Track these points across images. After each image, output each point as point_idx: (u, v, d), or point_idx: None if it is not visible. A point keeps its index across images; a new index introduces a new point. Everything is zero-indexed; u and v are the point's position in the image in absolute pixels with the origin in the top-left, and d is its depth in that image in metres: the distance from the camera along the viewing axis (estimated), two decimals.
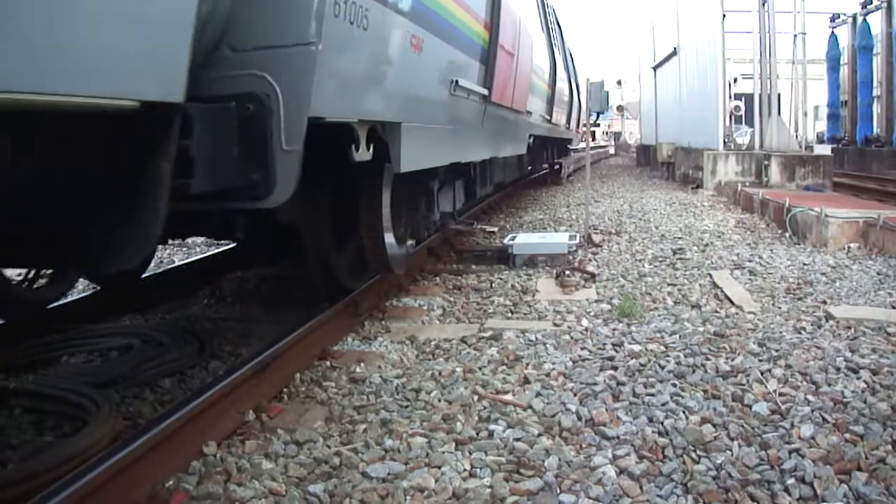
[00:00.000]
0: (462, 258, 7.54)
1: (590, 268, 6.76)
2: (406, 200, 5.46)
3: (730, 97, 17.40)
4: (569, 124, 17.89)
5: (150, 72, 2.26)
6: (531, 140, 10.82)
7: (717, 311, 5.15)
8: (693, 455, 2.90)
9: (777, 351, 4.13)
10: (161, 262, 7.45)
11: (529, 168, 15.34)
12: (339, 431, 3.22)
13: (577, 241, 7.75)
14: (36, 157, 2.41)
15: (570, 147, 22.95)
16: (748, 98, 17.14)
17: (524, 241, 7.35)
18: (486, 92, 6.20)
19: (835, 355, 4.04)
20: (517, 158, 11.22)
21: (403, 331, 4.83)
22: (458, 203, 7.24)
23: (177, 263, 7.01)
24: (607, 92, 9.93)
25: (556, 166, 20.73)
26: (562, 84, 15.01)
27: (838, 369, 3.82)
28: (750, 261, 7.07)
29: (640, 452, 2.93)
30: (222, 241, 7.38)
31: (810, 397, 3.44)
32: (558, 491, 2.65)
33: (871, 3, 21.05)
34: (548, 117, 12.62)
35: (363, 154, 3.68)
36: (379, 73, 3.81)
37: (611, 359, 4.07)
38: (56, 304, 5.13)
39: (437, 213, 6.28)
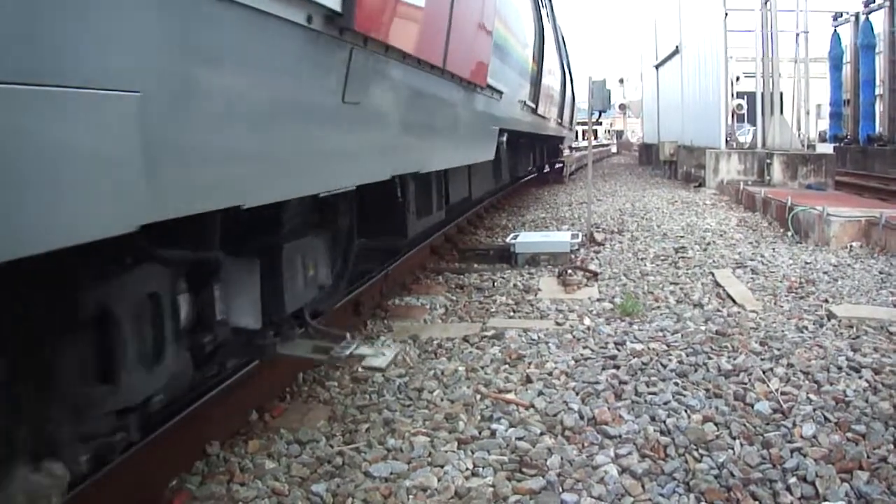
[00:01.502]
0: (464, 257, 7.55)
1: (592, 266, 6.76)
2: None
3: (732, 96, 17.39)
4: (560, 119, 14.88)
5: None
6: (504, 138, 7.62)
7: (719, 310, 5.15)
8: (695, 454, 2.90)
9: (779, 350, 4.13)
10: None
11: (510, 177, 10.96)
12: (341, 431, 3.23)
13: (580, 239, 7.75)
14: None
15: (563, 147, 19.76)
16: (750, 96, 17.15)
17: (526, 239, 7.36)
18: (335, 5, 2.41)
19: (837, 354, 4.04)
20: (490, 166, 7.87)
21: (406, 330, 4.84)
22: (320, 285, 3.25)
23: None
24: (609, 90, 9.87)
25: (547, 169, 19.19)
26: (552, 65, 12.13)
27: (840, 368, 3.82)
28: (752, 259, 7.07)
29: (642, 451, 2.94)
30: None
31: (812, 396, 3.45)
32: (560, 490, 2.66)
33: (874, 1, 21.01)
34: (532, 105, 9.30)
35: None
36: None
37: (613, 358, 4.08)
38: None
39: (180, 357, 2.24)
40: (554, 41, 12.99)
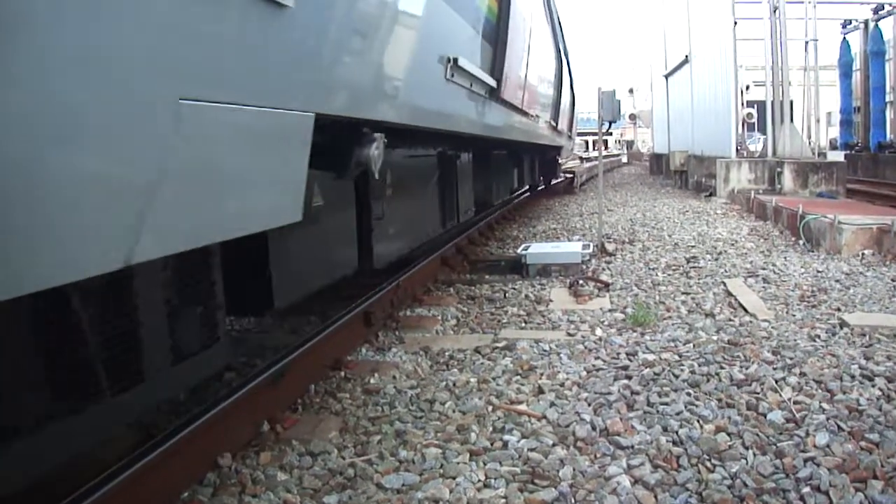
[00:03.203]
0: (475, 268, 7.56)
1: (603, 277, 6.75)
2: None
3: (742, 104, 17.36)
4: (556, 123, 11.91)
5: None
6: (377, 148, 3.50)
7: (731, 320, 5.14)
8: (708, 464, 2.89)
9: (791, 359, 4.12)
10: None
11: (475, 208, 7.98)
12: (353, 442, 3.23)
13: (591, 250, 7.74)
14: None
15: (561, 160, 16.44)
16: (760, 105, 17.10)
17: (537, 250, 7.36)
18: None
19: (849, 363, 4.02)
20: (434, 201, 5.87)
21: (417, 341, 4.84)
22: None
23: None
24: (619, 101, 9.86)
25: (543, 186, 16.45)
26: (538, 34, 8.94)
27: (853, 377, 3.80)
28: (764, 268, 7.05)
29: (654, 462, 2.93)
30: None
31: (825, 405, 3.43)
32: (573, 501, 2.65)
33: (883, 8, 20.96)
34: (489, 83, 5.65)
35: None
36: None
37: (625, 368, 4.07)
38: None
39: None
40: (544, 6, 10.06)
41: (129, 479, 2.42)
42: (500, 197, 9.98)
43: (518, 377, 4.02)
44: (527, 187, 14.73)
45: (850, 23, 22.66)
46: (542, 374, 4.05)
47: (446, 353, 4.53)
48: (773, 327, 4.89)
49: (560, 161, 16.19)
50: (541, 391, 3.76)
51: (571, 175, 20.80)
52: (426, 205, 5.69)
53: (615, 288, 6.35)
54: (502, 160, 9.53)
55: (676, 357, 4.24)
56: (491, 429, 3.33)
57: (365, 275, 4.68)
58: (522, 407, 3.55)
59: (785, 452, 2.94)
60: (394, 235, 4.83)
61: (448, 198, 6.21)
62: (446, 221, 6.28)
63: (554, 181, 17.16)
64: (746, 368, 3.97)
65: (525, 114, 8.11)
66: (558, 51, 12.27)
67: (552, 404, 3.56)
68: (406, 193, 4.89)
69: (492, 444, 3.16)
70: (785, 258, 7.67)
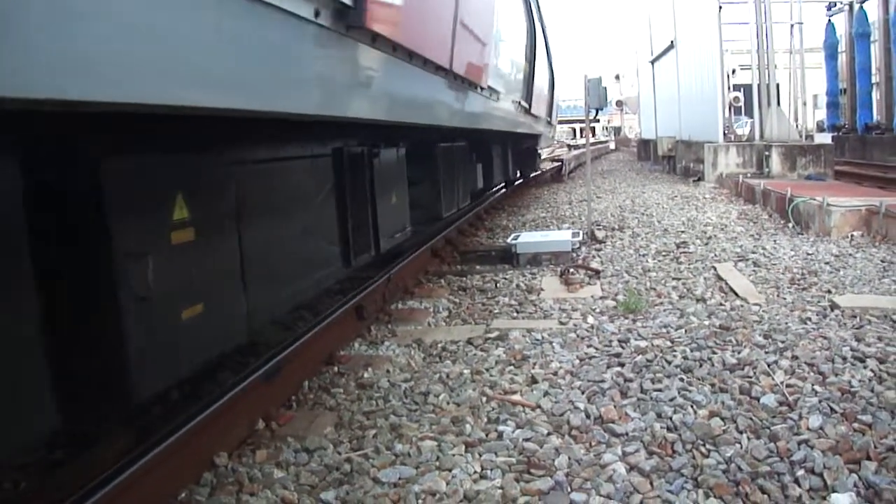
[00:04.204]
0: (466, 259, 7.55)
1: (594, 265, 6.76)
2: None
3: (728, 88, 17.39)
4: (528, 104, 10.19)
5: None
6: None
7: (722, 304, 5.15)
8: (702, 449, 2.91)
9: (783, 342, 4.13)
10: None
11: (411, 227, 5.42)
12: (349, 437, 3.23)
13: (581, 238, 7.75)
14: None
15: (539, 149, 14.86)
16: (747, 89, 17.14)
17: (527, 239, 7.36)
18: None
19: (841, 345, 4.04)
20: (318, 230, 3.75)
21: (410, 334, 4.84)
22: None
23: None
24: (605, 88, 9.84)
25: (521, 180, 14.92)
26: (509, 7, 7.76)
27: (845, 359, 3.82)
28: (753, 252, 7.08)
29: (649, 448, 2.94)
30: None
31: (818, 388, 3.45)
32: (569, 490, 2.66)
33: None
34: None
35: None
36: None
37: (617, 355, 4.08)
38: None
39: None
40: None
41: (124, 483, 2.42)
42: (455, 205, 7.11)
43: (511, 367, 4.03)
44: (501, 185, 12.51)
45: (835, 5, 22.72)
46: (534, 364, 4.05)
47: (439, 345, 4.53)
48: (764, 311, 4.91)
49: (539, 151, 14.23)
50: (534, 381, 3.77)
51: (559, 163, 20.82)
52: (303, 239, 3.58)
53: (606, 275, 6.36)
54: (457, 155, 7.09)
55: (668, 343, 4.26)
56: (485, 420, 3.33)
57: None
58: (516, 397, 3.56)
59: (779, 436, 2.96)
60: (200, 321, 2.49)
61: (358, 219, 4.14)
62: (353, 256, 4.12)
63: (532, 175, 15.28)
64: (738, 353, 3.99)
65: (462, 79, 5.38)
66: (530, 15, 10.47)
67: (546, 393, 3.57)
68: (239, 230, 2.84)
69: (487, 435, 3.16)
70: (774, 241, 7.70)
